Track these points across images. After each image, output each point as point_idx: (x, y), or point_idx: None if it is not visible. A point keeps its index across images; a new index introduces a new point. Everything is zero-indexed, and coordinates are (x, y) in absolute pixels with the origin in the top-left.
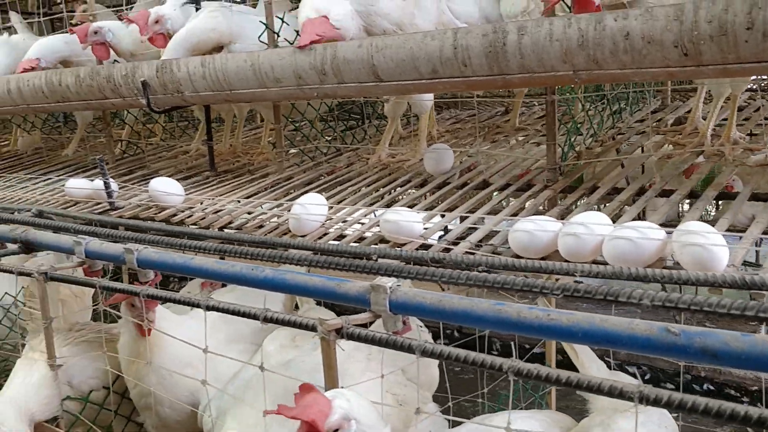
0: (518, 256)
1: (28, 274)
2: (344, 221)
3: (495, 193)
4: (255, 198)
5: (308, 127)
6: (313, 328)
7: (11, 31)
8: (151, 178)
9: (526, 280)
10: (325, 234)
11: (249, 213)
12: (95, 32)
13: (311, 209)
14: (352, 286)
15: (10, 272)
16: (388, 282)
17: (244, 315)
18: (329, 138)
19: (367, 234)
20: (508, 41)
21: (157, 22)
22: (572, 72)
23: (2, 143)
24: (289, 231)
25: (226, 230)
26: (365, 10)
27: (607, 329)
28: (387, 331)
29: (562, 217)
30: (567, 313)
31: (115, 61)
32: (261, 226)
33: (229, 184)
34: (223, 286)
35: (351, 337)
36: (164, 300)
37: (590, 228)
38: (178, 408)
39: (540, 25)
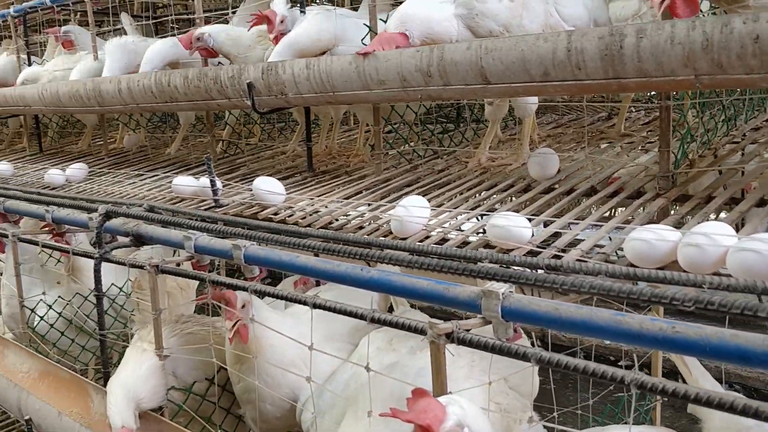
0: (632, 265)
1: (141, 267)
2: (447, 224)
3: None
4: (354, 199)
5: (405, 129)
6: (422, 332)
7: (122, 32)
8: (251, 177)
9: (654, 291)
10: (428, 237)
11: (349, 214)
12: (198, 39)
13: (414, 211)
14: (461, 290)
15: (123, 264)
16: (500, 288)
17: (350, 314)
18: (426, 140)
19: (471, 238)
20: (626, 44)
21: (282, 21)
22: (693, 77)
23: (109, 141)
24: (391, 233)
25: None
26: (469, 13)
27: (740, 345)
28: (497, 337)
29: (677, 226)
30: (694, 327)
31: (219, 62)
32: (361, 227)
33: (327, 184)
34: (318, 284)
35: (462, 342)
36: (272, 296)
37: (713, 239)
38: (279, 404)
39: (660, 28)
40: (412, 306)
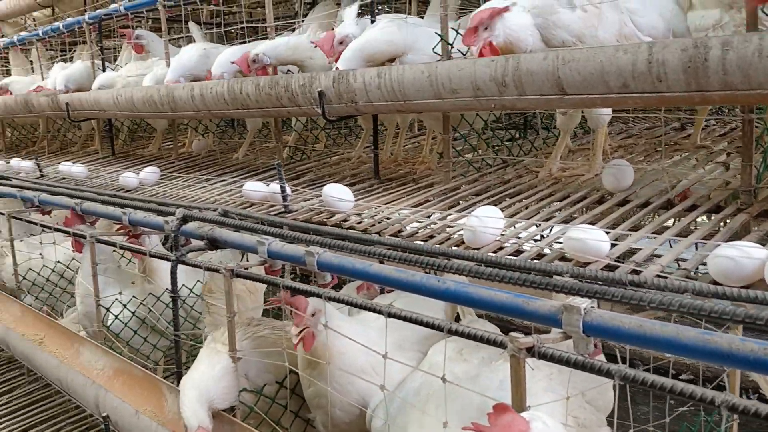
0: (716, 283)
1: (216, 270)
2: (520, 235)
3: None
4: (423, 207)
5: (473, 136)
6: (502, 345)
7: (191, 40)
8: (318, 183)
9: (748, 312)
10: (501, 248)
11: (419, 222)
12: (254, 61)
13: (487, 222)
14: (542, 304)
15: (198, 267)
16: (582, 303)
17: (426, 325)
18: (495, 148)
19: (546, 250)
20: (711, 57)
21: (341, 42)
22: None
23: (179, 145)
24: (463, 242)
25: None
26: (544, 23)
27: None
28: (578, 353)
29: (762, 243)
30: None
31: (288, 71)
32: (432, 236)
33: (395, 192)
34: (383, 291)
35: (543, 356)
36: (345, 304)
37: None
38: (348, 409)
39: (748, 40)
40: (479, 316)
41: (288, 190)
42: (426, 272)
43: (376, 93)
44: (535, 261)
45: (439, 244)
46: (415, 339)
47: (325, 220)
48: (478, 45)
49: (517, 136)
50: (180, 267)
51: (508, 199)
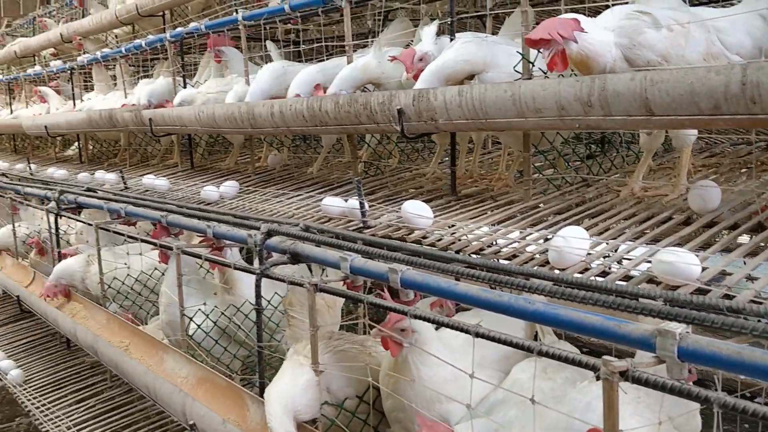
0: None
1: (300, 284)
2: (606, 256)
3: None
4: (503, 225)
5: (552, 153)
6: (594, 368)
7: (269, 57)
8: (393, 199)
9: None
10: (586, 269)
11: (500, 240)
12: (420, 59)
13: (573, 242)
14: (634, 328)
15: (282, 281)
16: (677, 327)
17: (516, 346)
18: (573, 165)
19: (633, 272)
20: None
21: (421, 59)
22: None
23: (256, 159)
24: (547, 263)
25: (477, 257)
26: (628, 42)
27: None
28: (672, 377)
29: None
30: None
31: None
32: (515, 255)
33: (473, 209)
34: (458, 310)
35: (637, 381)
36: (431, 322)
37: None
38: None
39: None
40: (557, 336)
41: (366, 205)
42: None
43: (457, 111)
44: (623, 283)
45: (522, 263)
46: (495, 358)
47: (404, 236)
48: (551, 53)
49: (597, 152)
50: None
51: (590, 219)
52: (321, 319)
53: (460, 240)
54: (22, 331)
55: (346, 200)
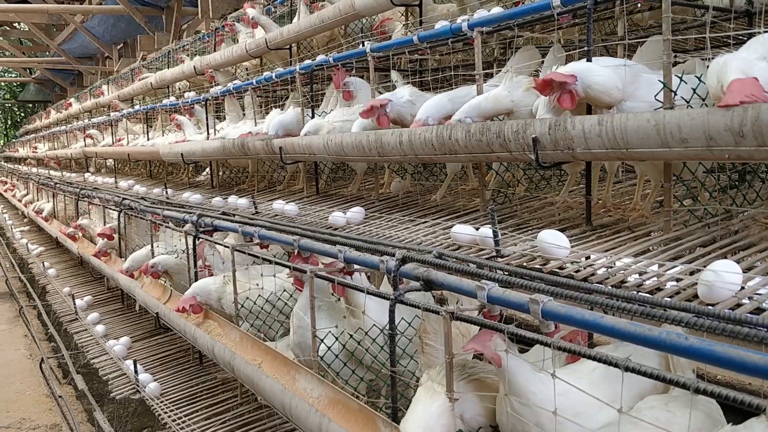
0: None
1: (436, 312)
2: (759, 293)
3: None
4: (644, 257)
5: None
6: (758, 409)
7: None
8: (524, 228)
9: None
10: (739, 305)
11: (642, 273)
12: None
13: (725, 277)
14: None
15: (418, 308)
16: None
17: (669, 382)
18: (716, 196)
19: None
20: None
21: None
22: None
23: (379, 186)
24: (696, 297)
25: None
26: None
27: None
28: None
29: None
30: None
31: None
32: (659, 289)
33: (609, 240)
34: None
35: None
36: (576, 354)
37: None
38: None
39: None
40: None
41: (499, 234)
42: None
43: (596, 141)
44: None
45: (669, 297)
46: (629, 396)
47: (540, 266)
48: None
49: (738, 182)
50: (380, 302)
51: (737, 253)
52: (455, 348)
53: (599, 272)
54: (158, 346)
55: (477, 228)
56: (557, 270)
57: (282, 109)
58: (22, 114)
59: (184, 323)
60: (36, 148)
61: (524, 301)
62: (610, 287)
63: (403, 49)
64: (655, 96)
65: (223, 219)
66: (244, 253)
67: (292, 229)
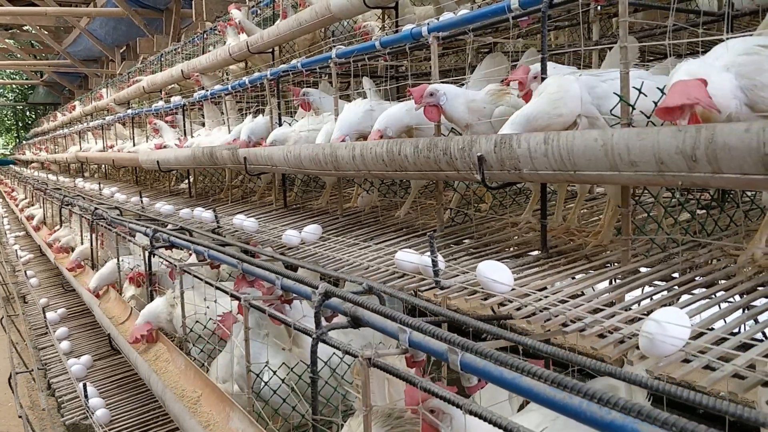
0: None
1: (354, 355)
2: (714, 344)
3: None
4: (596, 296)
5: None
6: None
7: (363, 95)
8: (478, 252)
9: None
10: (687, 360)
11: (588, 314)
12: (431, 94)
13: (669, 329)
14: None
15: (337, 348)
16: None
17: None
18: (684, 222)
19: (743, 371)
20: None
21: (535, 78)
22: None
23: (346, 199)
24: (637, 348)
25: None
26: (749, 84)
27: None
28: None
29: None
30: None
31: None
32: (603, 336)
33: (562, 270)
34: None
35: None
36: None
37: None
38: None
39: None
40: None
41: (441, 263)
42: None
43: (542, 161)
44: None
45: (614, 346)
46: None
47: (480, 301)
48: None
49: (714, 205)
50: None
51: (698, 290)
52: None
53: (542, 311)
54: (118, 366)
55: (422, 254)
56: (498, 307)
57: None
58: (33, 116)
59: (128, 348)
60: (39, 151)
61: (444, 350)
62: (537, 341)
63: (364, 56)
64: (611, 110)
65: (177, 236)
66: (190, 274)
67: (241, 248)
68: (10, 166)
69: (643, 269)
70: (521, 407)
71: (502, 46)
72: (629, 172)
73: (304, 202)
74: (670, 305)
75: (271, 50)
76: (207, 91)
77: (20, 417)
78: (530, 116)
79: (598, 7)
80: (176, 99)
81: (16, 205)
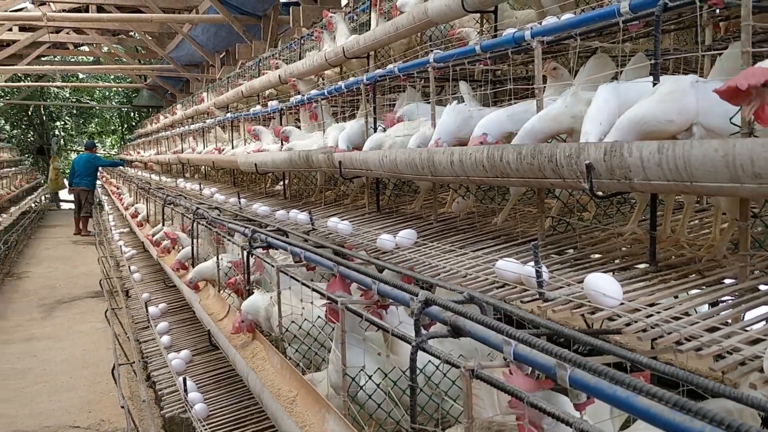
0: None
1: (456, 366)
2: None
3: None
4: (714, 314)
5: None
6: None
7: (459, 100)
8: (582, 263)
9: None
10: None
11: (707, 332)
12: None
13: None
14: None
15: (438, 357)
16: None
17: None
18: None
19: None
20: None
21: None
22: None
23: (441, 204)
24: (760, 371)
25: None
26: None
27: None
28: None
29: None
30: None
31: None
32: (721, 356)
33: (674, 286)
34: None
35: None
36: None
37: None
38: None
39: None
40: None
41: (545, 274)
42: None
43: (655, 170)
44: None
45: (732, 369)
46: None
47: (586, 315)
48: (754, 106)
49: None
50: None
51: None
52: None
53: (653, 327)
54: (217, 361)
55: (525, 264)
56: (606, 322)
57: (351, 121)
58: (137, 118)
59: (227, 345)
60: (142, 151)
61: (552, 365)
62: (660, 363)
63: (464, 60)
64: (731, 119)
65: (275, 237)
66: (287, 274)
67: (336, 250)
68: (120, 167)
69: (762, 287)
70: (623, 426)
71: (605, 49)
72: (752, 185)
73: (397, 206)
74: None
75: (366, 55)
76: (303, 96)
77: (122, 407)
78: (636, 120)
79: (716, 10)
80: (273, 104)
81: (121, 203)
